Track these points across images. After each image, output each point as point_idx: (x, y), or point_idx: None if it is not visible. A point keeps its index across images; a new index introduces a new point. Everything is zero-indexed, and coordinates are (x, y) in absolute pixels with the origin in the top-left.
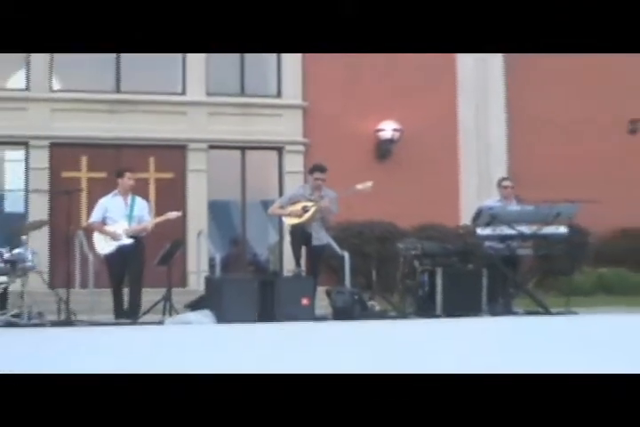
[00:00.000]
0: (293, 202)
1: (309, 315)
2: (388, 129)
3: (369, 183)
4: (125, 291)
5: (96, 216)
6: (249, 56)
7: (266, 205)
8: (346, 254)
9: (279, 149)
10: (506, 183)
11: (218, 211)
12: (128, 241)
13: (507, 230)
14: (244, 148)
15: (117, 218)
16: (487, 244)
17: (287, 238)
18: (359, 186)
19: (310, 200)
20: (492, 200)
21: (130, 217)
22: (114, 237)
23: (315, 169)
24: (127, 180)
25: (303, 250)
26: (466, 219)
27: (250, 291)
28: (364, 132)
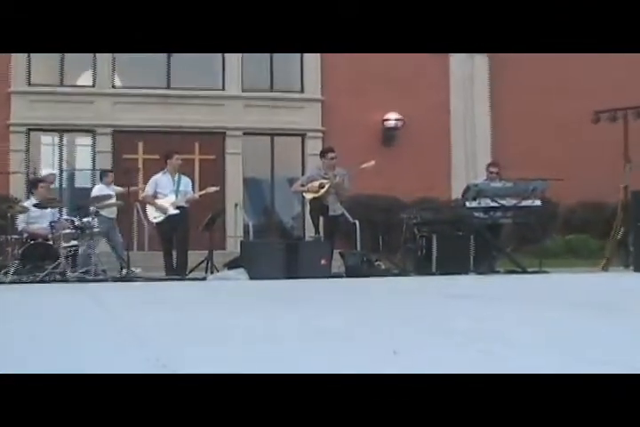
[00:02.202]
0: (311, 180)
1: (326, 273)
2: (392, 119)
3: (372, 162)
4: (174, 253)
5: (149, 191)
6: (277, 57)
7: (291, 182)
8: (357, 223)
9: (302, 136)
10: (493, 169)
11: (251, 187)
12: (175, 211)
13: (491, 203)
14: (272, 134)
15: (167, 192)
16: (474, 214)
17: (308, 210)
18: (364, 165)
19: (325, 178)
20: (479, 179)
21: (177, 192)
22: (163, 208)
23: (327, 151)
24: (175, 160)
25: (321, 219)
26: (456, 194)
27: (277, 253)
28: (372, 121)
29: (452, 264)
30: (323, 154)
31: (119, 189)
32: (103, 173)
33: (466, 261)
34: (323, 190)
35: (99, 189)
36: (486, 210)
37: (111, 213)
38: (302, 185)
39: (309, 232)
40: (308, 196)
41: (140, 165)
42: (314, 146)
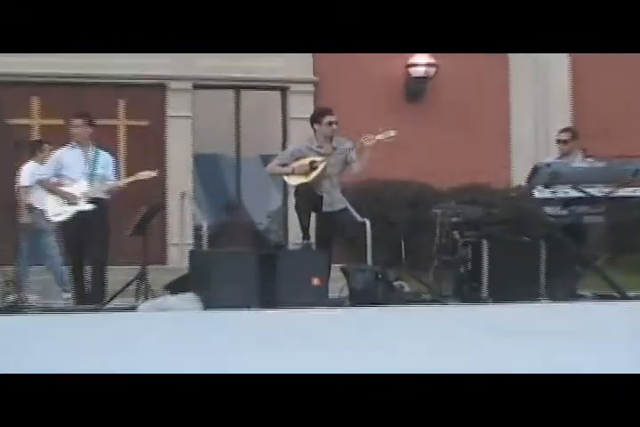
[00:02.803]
0: (298, 157)
1: (322, 299)
2: (420, 64)
3: (391, 132)
4: (86, 269)
5: (47, 172)
6: None
7: (266, 160)
8: (367, 222)
9: (283, 90)
10: (565, 136)
11: (206, 168)
12: (88, 206)
13: (571, 192)
14: (238, 87)
15: (75, 176)
16: (546, 209)
17: (292, 202)
18: (378, 136)
19: (319, 154)
20: (552, 157)
21: (91, 175)
22: (70, 199)
23: (320, 113)
24: (83, 128)
25: (312, 217)
26: (519, 178)
27: (246, 269)
28: (390, 67)
29: (514, 286)
30: (316, 118)
31: None
32: (33, 146)
33: (534, 280)
34: (315, 173)
35: (34, 170)
36: (565, 203)
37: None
38: (284, 165)
39: (295, 237)
40: (293, 181)
41: (35, 135)
42: (301, 105)
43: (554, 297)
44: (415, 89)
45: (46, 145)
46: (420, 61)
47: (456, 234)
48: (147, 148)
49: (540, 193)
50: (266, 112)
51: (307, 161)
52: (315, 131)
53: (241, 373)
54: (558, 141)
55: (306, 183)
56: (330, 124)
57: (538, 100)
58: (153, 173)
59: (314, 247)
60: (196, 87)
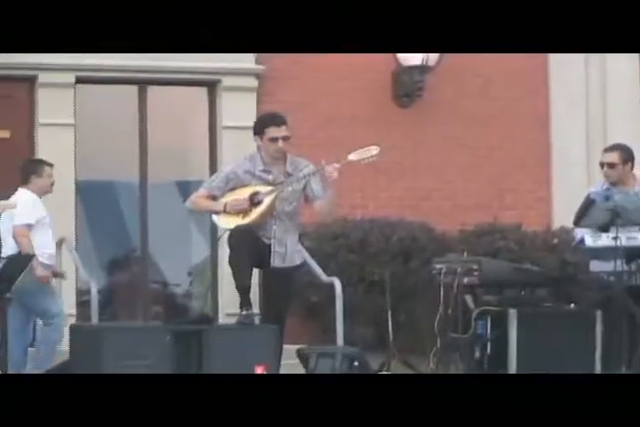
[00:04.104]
0: (234, 186)
1: None
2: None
3: (373, 149)
4: None
5: None
6: None
7: (184, 189)
8: (336, 283)
9: (210, 86)
10: (612, 157)
11: (95, 201)
12: None
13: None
14: (143, 82)
15: None
16: (601, 264)
17: (225, 254)
18: (354, 155)
19: (266, 182)
20: (599, 186)
21: None
22: None
23: (267, 122)
24: None
25: (255, 274)
26: (562, 216)
27: (156, 352)
28: (374, 53)
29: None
30: (261, 128)
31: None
32: (30, 167)
33: (586, 366)
34: (259, 210)
35: (31, 203)
36: (630, 254)
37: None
38: (213, 197)
39: (229, 305)
40: (227, 222)
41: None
42: (238, 109)
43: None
44: (408, 84)
45: (48, 168)
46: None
47: (469, 300)
48: (6, 169)
49: (593, 239)
50: (185, 118)
51: (246, 192)
52: (259, 147)
53: None
54: (603, 165)
55: (245, 226)
56: (281, 138)
57: (591, 104)
58: (13, 205)
59: (257, 320)
60: (80, 81)
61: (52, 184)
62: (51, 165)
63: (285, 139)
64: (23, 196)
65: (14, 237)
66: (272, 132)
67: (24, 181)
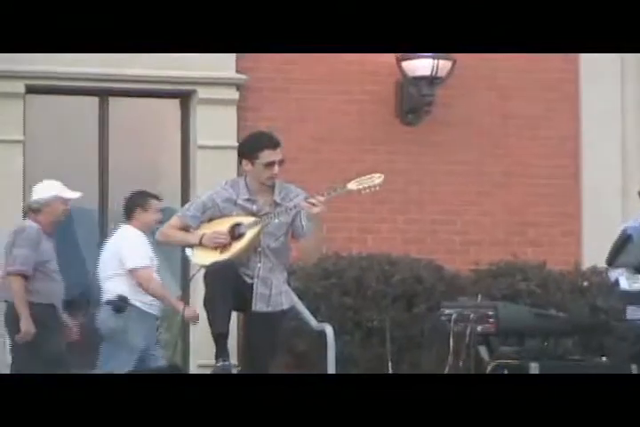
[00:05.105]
0: (212, 216)
1: None
2: (423, 55)
3: (376, 178)
4: None
5: None
6: None
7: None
8: (328, 331)
9: (183, 97)
10: None
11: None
12: None
13: None
14: (106, 93)
15: None
16: (639, 310)
17: (200, 295)
18: (352, 184)
19: (249, 212)
20: (638, 217)
21: None
22: None
23: (263, 143)
24: None
25: (234, 319)
26: (593, 254)
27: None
28: (374, 60)
29: None
30: (247, 150)
31: None
32: (136, 200)
33: None
34: (240, 245)
35: (141, 243)
36: None
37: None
38: (186, 229)
39: (203, 356)
40: (203, 258)
41: None
42: (215, 125)
43: None
44: (415, 98)
45: (154, 201)
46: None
47: (484, 351)
48: None
49: (630, 281)
50: (153, 135)
51: (226, 224)
52: (244, 171)
53: None
54: None
55: (224, 262)
56: (270, 164)
57: (628, 123)
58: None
59: (236, 373)
60: (30, 91)
61: (160, 221)
62: (157, 198)
63: (281, 164)
64: (132, 235)
65: (141, 283)
66: (268, 155)
67: (128, 217)
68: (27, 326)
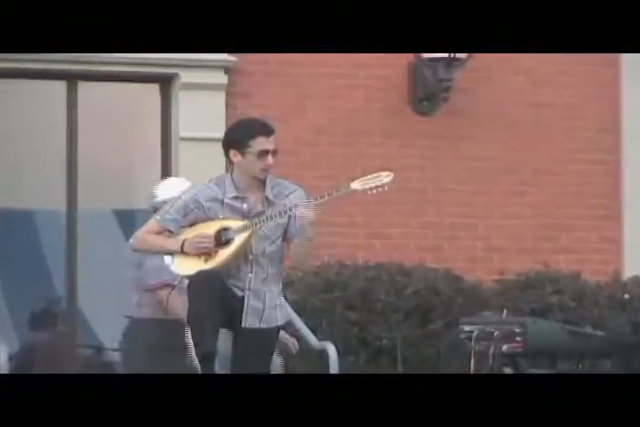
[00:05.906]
0: (196, 218)
1: None
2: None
3: (384, 177)
4: None
5: None
6: None
7: (127, 219)
8: (330, 349)
9: (163, 82)
10: None
11: (9, 233)
12: None
13: None
14: (74, 77)
15: None
16: None
17: (186, 312)
18: (356, 183)
19: (239, 213)
20: None
21: None
22: None
23: (245, 131)
24: None
25: (223, 337)
26: (635, 263)
27: None
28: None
29: None
30: (236, 140)
31: None
32: None
33: None
34: (228, 252)
35: None
36: None
37: None
38: (166, 232)
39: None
40: (185, 268)
41: None
42: (200, 113)
43: None
44: (430, 83)
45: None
46: None
47: (510, 372)
48: None
49: None
50: (129, 125)
51: (212, 227)
52: (232, 165)
53: None
54: None
55: (209, 272)
56: (263, 153)
57: None
58: None
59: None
60: None
61: None
62: None
63: (274, 154)
64: None
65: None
66: (261, 143)
67: None
68: None
